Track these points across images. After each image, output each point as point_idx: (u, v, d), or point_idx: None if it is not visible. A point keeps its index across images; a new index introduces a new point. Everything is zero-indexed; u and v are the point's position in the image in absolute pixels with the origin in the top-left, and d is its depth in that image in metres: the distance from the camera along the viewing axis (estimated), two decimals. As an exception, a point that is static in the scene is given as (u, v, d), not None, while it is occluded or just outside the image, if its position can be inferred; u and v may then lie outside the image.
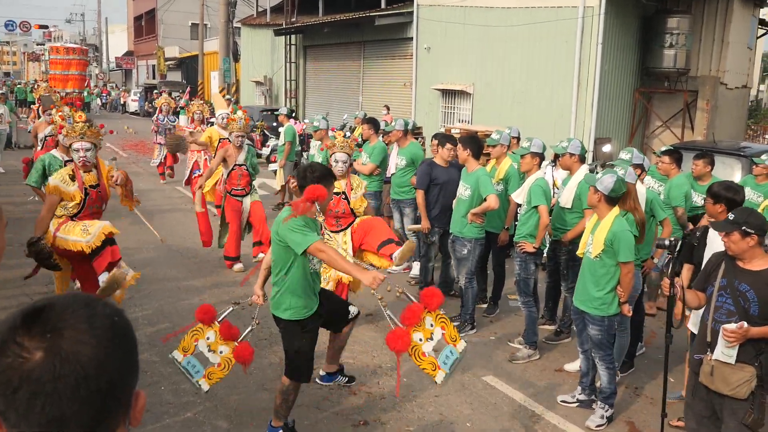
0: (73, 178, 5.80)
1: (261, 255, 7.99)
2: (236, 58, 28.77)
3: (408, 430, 4.80)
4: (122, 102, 42.66)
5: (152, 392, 5.13)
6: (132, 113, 39.82)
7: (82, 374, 1.03)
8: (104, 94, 44.52)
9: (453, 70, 17.54)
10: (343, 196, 6.20)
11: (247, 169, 8.28)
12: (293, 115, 17.65)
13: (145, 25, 51.48)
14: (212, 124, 12.21)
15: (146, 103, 36.33)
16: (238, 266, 8.40)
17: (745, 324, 3.56)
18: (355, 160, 9.52)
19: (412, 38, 18.86)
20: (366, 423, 4.85)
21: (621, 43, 14.83)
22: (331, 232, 6.14)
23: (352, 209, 6.25)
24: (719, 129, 15.39)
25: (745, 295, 3.66)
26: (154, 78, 45.59)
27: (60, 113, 7.74)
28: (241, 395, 5.20)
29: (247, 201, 8.32)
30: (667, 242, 4.01)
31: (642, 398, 5.54)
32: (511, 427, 4.94)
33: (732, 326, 3.58)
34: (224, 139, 10.35)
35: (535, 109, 15.17)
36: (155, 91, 34.89)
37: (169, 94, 20.81)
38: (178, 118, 14.82)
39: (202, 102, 12.94)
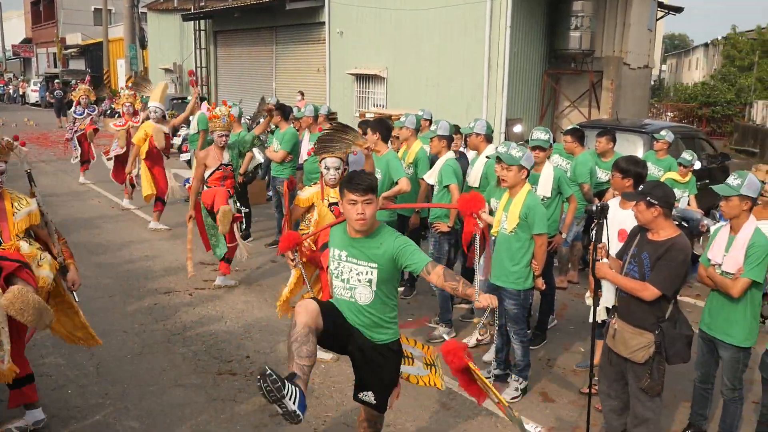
0: None
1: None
2: (143, 45, 27.80)
3: (327, 416, 4.78)
4: (21, 93, 40.58)
5: (58, 396, 4.91)
6: (33, 104, 37.97)
7: None
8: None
9: (366, 54, 17.50)
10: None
11: (233, 171, 7.46)
12: (204, 100, 17.15)
13: (43, 10, 49.08)
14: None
15: (47, 93, 34.67)
16: (223, 282, 7.50)
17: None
18: (267, 147, 9.39)
19: (324, 23, 18.70)
20: (284, 412, 4.79)
21: (529, 27, 15.15)
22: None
23: None
24: (623, 108, 16.01)
25: (643, 263, 3.83)
26: (56, 67, 43.53)
27: None
28: (154, 394, 5.04)
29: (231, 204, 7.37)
30: (594, 208, 4.11)
31: (554, 369, 5.70)
32: (430, 406, 4.99)
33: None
34: (166, 133, 9.78)
35: (449, 91, 15.34)
36: (56, 80, 33.26)
37: (75, 85, 19.50)
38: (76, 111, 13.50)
39: (131, 93, 11.73)
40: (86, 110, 13.12)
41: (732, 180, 4.08)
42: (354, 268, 3.46)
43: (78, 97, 13.24)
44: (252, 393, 5.04)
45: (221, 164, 7.29)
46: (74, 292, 4.48)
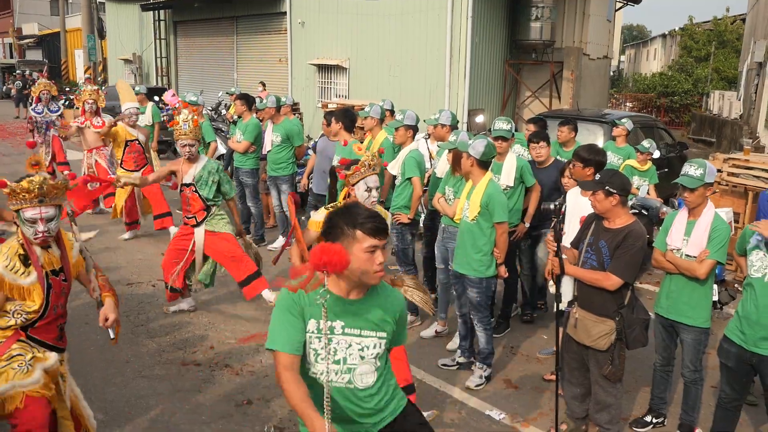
0: (26, 261, 3.42)
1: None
2: (102, 35, 27.21)
3: (293, 405, 4.79)
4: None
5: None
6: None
7: None
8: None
9: (328, 44, 17.43)
10: None
11: (196, 192, 6.07)
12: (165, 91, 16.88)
13: (-1, 0, 47.73)
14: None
15: (4, 85, 33.85)
16: (175, 307, 6.50)
17: None
18: (229, 138, 9.31)
19: (285, 13, 18.55)
20: (249, 402, 4.79)
21: (490, 17, 15.24)
22: None
23: None
24: (583, 98, 16.23)
25: (601, 251, 3.91)
26: (11, 57, 42.46)
27: None
28: (117, 385, 4.99)
29: (200, 232, 6.14)
30: (552, 206, 4.17)
31: (518, 356, 5.79)
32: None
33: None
34: (132, 141, 8.67)
35: (410, 82, 15.37)
36: (15, 72, 32.45)
37: (30, 75, 19.01)
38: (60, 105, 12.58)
39: (95, 88, 10.33)
40: (45, 108, 12.48)
41: (693, 171, 4.10)
42: (356, 342, 2.53)
43: (38, 92, 12.42)
44: (217, 383, 5.04)
45: (183, 184, 6.11)
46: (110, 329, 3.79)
